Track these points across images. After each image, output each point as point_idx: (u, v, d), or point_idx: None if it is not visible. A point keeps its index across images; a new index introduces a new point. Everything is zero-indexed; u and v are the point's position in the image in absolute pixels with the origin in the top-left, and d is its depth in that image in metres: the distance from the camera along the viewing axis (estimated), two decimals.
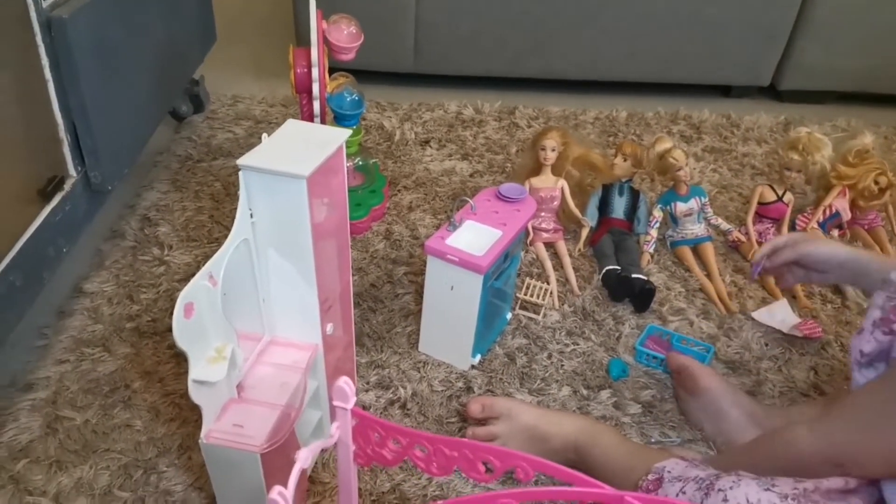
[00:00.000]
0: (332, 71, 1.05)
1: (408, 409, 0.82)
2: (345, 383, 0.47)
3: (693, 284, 1.06)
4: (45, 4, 0.76)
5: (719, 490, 0.55)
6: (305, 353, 0.69)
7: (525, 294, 0.97)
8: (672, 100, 1.63)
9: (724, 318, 1.00)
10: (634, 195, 1.13)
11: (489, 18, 1.53)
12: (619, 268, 1.04)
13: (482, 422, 0.78)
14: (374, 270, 1.04)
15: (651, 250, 1.10)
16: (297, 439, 0.67)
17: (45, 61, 0.78)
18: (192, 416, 0.79)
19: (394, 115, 1.48)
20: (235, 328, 0.61)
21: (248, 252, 0.63)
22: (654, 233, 1.11)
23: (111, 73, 0.90)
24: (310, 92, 0.98)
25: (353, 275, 0.86)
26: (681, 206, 1.10)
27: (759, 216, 1.16)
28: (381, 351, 0.90)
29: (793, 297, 1.04)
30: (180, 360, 0.86)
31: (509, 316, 0.97)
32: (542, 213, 1.10)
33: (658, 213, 1.11)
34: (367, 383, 0.85)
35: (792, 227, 1.15)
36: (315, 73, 0.95)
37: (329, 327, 0.70)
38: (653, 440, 0.80)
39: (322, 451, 0.75)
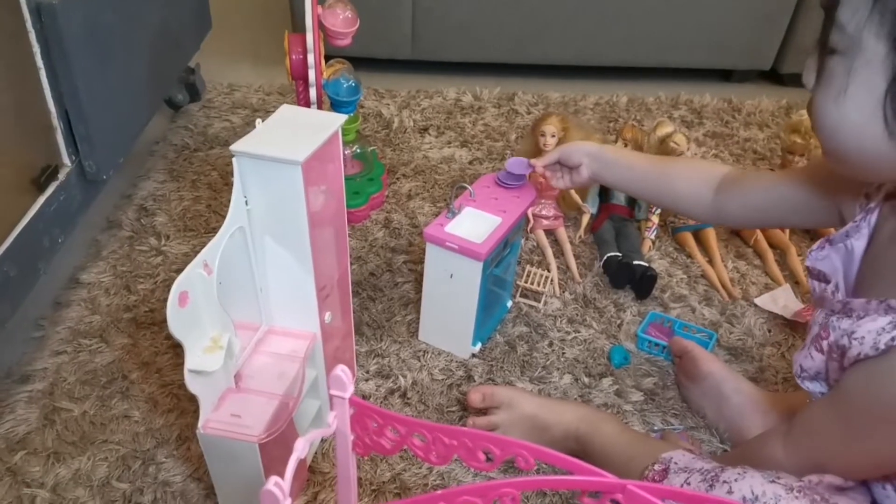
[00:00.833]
0: (328, 58, 1.03)
1: (408, 399, 0.82)
2: (342, 371, 0.46)
3: (695, 271, 1.05)
4: None
5: (724, 482, 0.55)
6: (304, 342, 0.68)
7: (525, 282, 0.96)
8: (673, 84, 1.62)
9: (726, 305, 0.99)
10: None
11: (487, 4, 1.51)
12: (620, 254, 1.03)
13: (483, 411, 0.78)
14: (374, 259, 1.03)
15: (652, 237, 1.09)
16: (295, 429, 0.67)
17: (36, 48, 0.76)
18: (190, 406, 0.78)
19: (392, 102, 1.47)
20: (232, 317, 0.60)
21: (244, 240, 0.62)
22: (655, 219, 1.10)
23: (104, 60, 0.88)
24: (306, 79, 0.97)
25: (351, 263, 0.86)
26: None
27: None
28: (380, 340, 0.89)
29: (795, 283, 1.03)
30: (178, 350, 0.85)
31: (510, 304, 0.96)
32: (542, 200, 1.09)
33: None
34: (367, 372, 0.85)
35: None
36: (311, 59, 0.94)
37: (327, 316, 0.69)
38: (655, 428, 0.80)
39: (322, 440, 0.75)
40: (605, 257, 1.03)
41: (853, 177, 0.58)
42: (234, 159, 0.58)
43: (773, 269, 1.05)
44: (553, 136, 1.06)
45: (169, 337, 0.87)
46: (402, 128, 1.38)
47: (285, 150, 0.57)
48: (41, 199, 0.79)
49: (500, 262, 0.85)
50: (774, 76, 1.69)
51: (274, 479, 0.38)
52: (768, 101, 1.56)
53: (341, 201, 0.68)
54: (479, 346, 0.88)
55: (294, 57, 0.97)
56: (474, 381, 0.85)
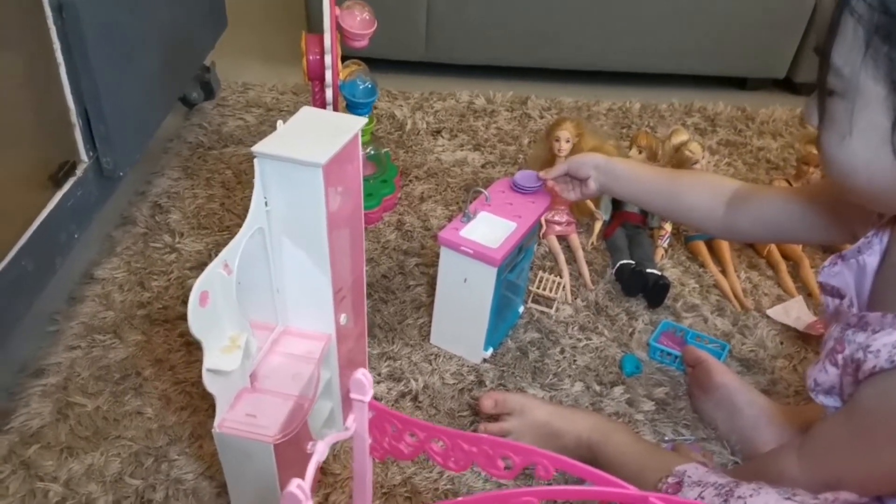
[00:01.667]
0: (343, 59, 1.04)
1: (419, 402, 0.82)
2: (363, 375, 0.46)
3: (707, 280, 1.05)
4: None
5: (739, 497, 0.55)
6: (318, 343, 0.68)
7: (537, 287, 0.96)
8: (686, 91, 1.61)
9: (738, 315, 0.99)
10: None
11: (501, 7, 1.51)
12: (632, 262, 1.02)
13: (494, 417, 0.78)
14: (386, 261, 1.03)
15: (665, 245, 1.09)
16: (309, 430, 0.67)
17: (56, 44, 0.77)
18: (202, 404, 0.79)
19: (405, 104, 1.47)
20: (249, 317, 0.61)
21: (263, 241, 0.62)
22: (668, 227, 1.09)
23: (122, 57, 0.89)
24: (322, 79, 0.97)
25: (364, 265, 0.86)
26: None
27: None
28: (392, 342, 0.89)
29: (808, 295, 1.03)
30: (191, 348, 0.85)
31: (521, 309, 0.96)
32: (555, 206, 1.09)
33: None
34: (379, 375, 0.85)
35: None
36: (328, 60, 0.94)
37: (343, 318, 0.69)
38: (666, 438, 0.79)
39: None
40: (617, 265, 1.03)
41: (866, 207, 0.58)
42: (255, 160, 0.58)
43: (786, 280, 1.04)
44: (567, 141, 1.06)
45: (182, 334, 0.87)
46: (416, 130, 1.38)
47: (306, 152, 0.57)
48: (59, 195, 0.79)
49: (513, 267, 0.85)
50: (789, 85, 1.68)
51: (296, 481, 0.38)
52: (782, 109, 1.56)
53: (359, 203, 0.68)
54: (490, 351, 0.88)
55: (311, 57, 0.98)
56: (485, 386, 0.85)
